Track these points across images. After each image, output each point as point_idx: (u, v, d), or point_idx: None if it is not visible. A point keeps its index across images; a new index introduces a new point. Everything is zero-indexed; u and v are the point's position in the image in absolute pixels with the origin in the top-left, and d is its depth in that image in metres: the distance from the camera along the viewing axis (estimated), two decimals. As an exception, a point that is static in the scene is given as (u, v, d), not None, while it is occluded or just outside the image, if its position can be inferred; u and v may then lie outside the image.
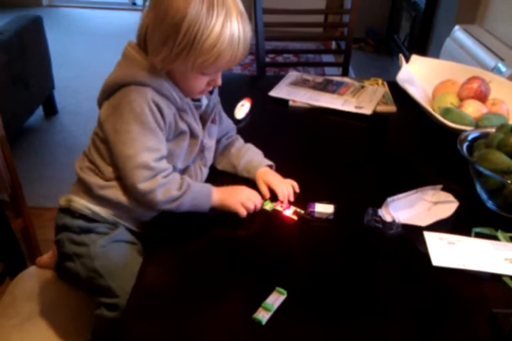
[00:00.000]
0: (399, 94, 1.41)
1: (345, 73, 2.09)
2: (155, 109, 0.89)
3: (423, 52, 2.69)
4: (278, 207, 1.00)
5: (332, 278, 0.85)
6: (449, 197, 1.04)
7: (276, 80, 1.56)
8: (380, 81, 1.61)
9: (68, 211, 0.99)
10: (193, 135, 0.98)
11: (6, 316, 1.04)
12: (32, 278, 1.13)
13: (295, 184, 1.05)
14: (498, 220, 1.00)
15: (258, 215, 0.98)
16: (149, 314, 0.76)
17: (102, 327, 0.93)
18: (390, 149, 1.29)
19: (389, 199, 0.98)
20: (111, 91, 0.91)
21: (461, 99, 1.33)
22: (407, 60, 1.48)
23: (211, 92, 1.02)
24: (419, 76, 1.44)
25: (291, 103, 1.45)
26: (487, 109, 1.30)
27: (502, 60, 1.79)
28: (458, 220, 1.00)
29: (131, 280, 0.88)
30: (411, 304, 0.80)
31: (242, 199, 0.95)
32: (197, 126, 0.98)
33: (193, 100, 0.97)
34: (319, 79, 1.59)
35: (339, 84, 1.56)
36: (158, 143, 0.91)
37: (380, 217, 0.97)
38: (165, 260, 0.88)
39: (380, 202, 0.99)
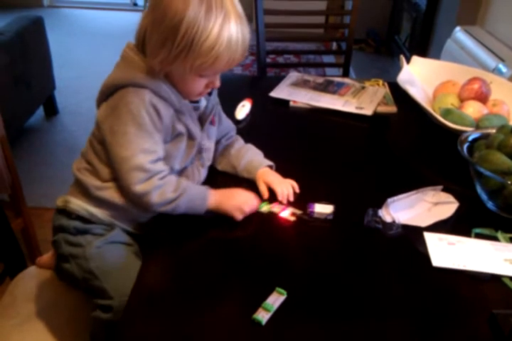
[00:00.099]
0: (399, 94, 1.41)
1: (345, 74, 2.09)
2: (152, 110, 0.89)
3: (424, 53, 2.69)
4: (275, 209, 0.99)
5: (332, 278, 0.85)
6: (449, 197, 1.04)
7: (276, 81, 1.56)
8: (380, 82, 1.61)
9: (65, 212, 0.99)
10: (190, 136, 0.98)
11: (6, 316, 1.04)
12: (32, 279, 1.13)
13: (295, 184, 1.05)
14: (498, 221, 1.00)
15: (256, 217, 0.97)
16: (149, 315, 0.76)
17: (99, 329, 0.93)
18: (391, 150, 1.29)
19: (389, 200, 0.98)
20: (109, 92, 0.91)
21: (462, 100, 1.33)
22: (408, 60, 1.48)
23: (210, 94, 1.02)
24: (420, 77, 1.45)
25: (291, 103, 1.45)
26: (488, 109, 1.30)
27: (503, 60, 1.79)
28: (458, 221, 1.00)
29: (127, 281, 0.88)
30: (411, 304, 0.80)
31: (238, 203, 0.95)
32: (195, 128, 0.98)
33: (192, 102, 0.97)
34: (320, 79, 1.59)
35: (340, 84, 1.56)
36: (155, 145, 0.90)
37: (380, 217, 0.97)
38: (164, 261, 0.88)
39: (380, 203, 0.99)
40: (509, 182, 0.95)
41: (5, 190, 1.41)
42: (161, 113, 0.90)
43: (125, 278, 0.91)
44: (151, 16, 0.87)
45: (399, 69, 1.40)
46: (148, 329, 0.74)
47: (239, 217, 0.95)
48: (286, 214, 0.99)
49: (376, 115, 1.41)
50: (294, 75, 1.61)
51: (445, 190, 1.05)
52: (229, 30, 0.84)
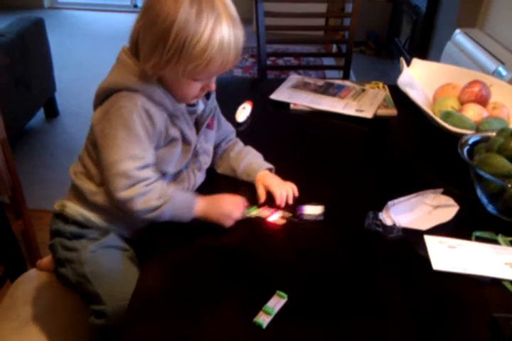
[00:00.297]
0: (400, 97, 1.41)
1: (346, 76, 2.09)
2: (144, 115, 0.88)
3: (424, 55, 2.70)
4: (264, 213, 0.99)
5: (333, 281, 0.85)
6: (450, 200, 1.04)
7: (277, 83, 1.56)
8: (380, 84, 1.61)
9: (62, 216, 0.99)
10: (185, 141, 0.97)
11: (6, 319, 1.04)
12: (32, 281, 1.13)
13: (294, 187, 1.04)
14: (499, 224, 1.00)
15: (247, 221, 0.97)
16: (148, 319, 0.76)
17: (97, 334, 0.93)
18: (391, 152, 1.29)
19: (389, 203, 0.98)
20: (104, 96, 0.90)
21: (462, 103, 1.33)
22: (408, 63, 1.48)
23: (208, 97, 1.01)
24: (420, 79, 1.45)
25: (292, 106, 1.45)
26: (488, 112, 1.30)
27: (503, 63, 1.79)
28: (458, 224, 1.00)
29: (121, 287, 0.88)
30: (411, 308, 0.80)
31: (226, 212, 0.94)
32: (190, 132, 0.97)
33: (188, 105, 0.97)
34: (320, 82, 1.59)
35: (340, 87, 1.56)
36: (143, 152, 0.89)
37: (380, 220, 0.97)
38: (163, 266, 0.88)
39: (380, 206, 0.99)
40: (509, 186, 0.95)
41: (5, 192, 1.41)
42: (153, 118, 0.89)
43: (119, 283, 0.91)
44: (143, 20, 0.86)
45: (399, 71, 1.40)
46: (148, 333, 0.74)
47: (228, 224, 0.94)
48: (276, 217, 0.98)
49: (376, 118, 1.41)
50: (294, 78, 1.61)
51: (445, 193, 1.06)
52: (221, 33, 0.82)
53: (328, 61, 3.64)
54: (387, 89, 1.57)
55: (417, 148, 1.32)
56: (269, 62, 2.19)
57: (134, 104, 0.87)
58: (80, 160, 0.99)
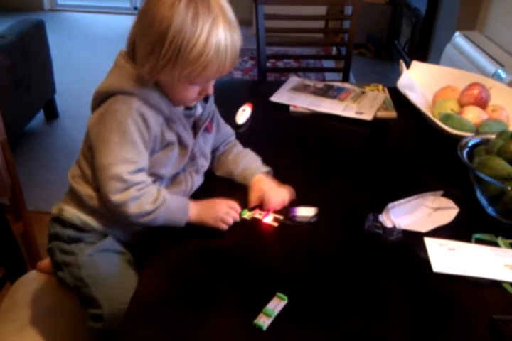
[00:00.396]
0: (399, 99, 1.41)
1: (345, 79, 2.10)
2: (139, 119, 0.87)
3: (423, 58, 2.70)
4: (257, 215, 0.99)
5: (333, 283, 0.85)
6: (450, 203, 1.05)
7: (277, 85, 1.56)
8: (380, 87, 1.61)
9: (59, 220, 0.99)
10: (182, 144, 0.96)
11: (6, 321, 1.04)
12: (32, 283, 1.13)
13: (289, 192, 1.03)
14: (499, 226, 1.00)
15: (243, 224, 0.97)
16: (148, 322, 0.76)
17: (95, 338, 0.93)
18: (391, 155, 1.29)
19: (389, 205, 0.98)
20: (100, 100, 0.90)
21: (462, 106, 1.34)
22: (408, 65, 1.48)
23: (206, 101, 1.01)
24: (420, 82, 1.45)
25: (292, 108, 1.46)
26: (487, 115, 1.30)
27: (502, 66, 1.79)
28: (458, 226, 1.00)
29: (118, 290, 0.88)
30: (411, 310, 0.80)
31: (220, 215, 0.93)
32: (187, 136, 0.96)
33: (186, 108, 0.96)
34: (320, 84, 1.59)
35: (340, 89, 1.57)
36: (137, 156, 0.88)
37: (380, 222, 0.97)
38: (162, 269, 0.88)
39: (380, 208, 0.99)
40: (509, 188, 0.95)
41: (5, 193, 1.41)
42: (148, 122, 0.88)
43: (116, 287, 0.91)
44: (140, 23, 0.86)
45: (399, 74, 1.41)
46: (147, 337, 0.74)
47: (223, 227, 0.94)
48: (269, 219, 0.98)
49: (376, 120, 1.41)
50: (294, 80, 1.62)
51: (445, 195, 1.06)
52: (217, 37, 0.82)
53: (327, 63, 3.65)
54: (387, 92, 1.58)
55: (417, 151, 1.32)
56: (268, 65, 2.19)
57: (129, 108, 0.87)
58: (77, 163, 0.99)
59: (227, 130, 1.13)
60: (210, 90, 0.93)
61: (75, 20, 4.73)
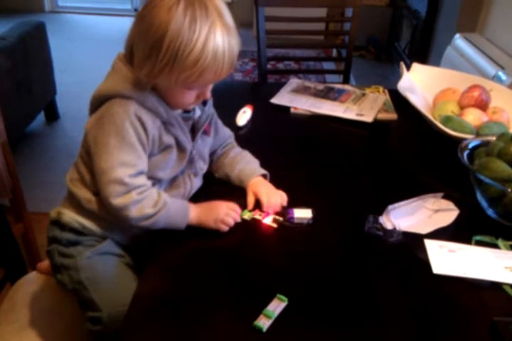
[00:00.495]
0: (400, 101, 1.41)
1: (346, 80, 2.10)
2: (137, 123, 0.87)
3: (424, 60, 2.71)
4: (257, 216, 0.99)
5: (333, 285, 0.85)
6: (450, 205, 1.05)
7: (277, 87, 1.56)
8: (381, 89, 1.62)
9: (58, 223, 0.99)
10: (180, 147, 0.96)
11: (6, 322, 1.04)
12: (32, 284, 1.13)
13: (284, 196, 1.03)
14: (499, 228, 1.00)
15: (246, 225, 0.97)
16: (148, 324, 0.76)
17: (94, 340, 0.93)
18: (391, 157, 1.29)
19: (390, 207, 0.98)
20: (98, 103, 0.90)
21: (462, 108, 1.34)
22: (408, 67, 1.48)
23: (204, 104, 1.00)
24: (420, 84, 1.45)
25: (292, 110, 1.46)
26: (488, 117, 1.30)
27: (502, 68, 1.79)
28: (458, 228, 1.00)
29: (117, 293, 0.88)
30: (411, 312, 0.80)
31: (220, 217, 0.93)
32: (185, 139, 0.96)
33: (184, 111, 0.96)
34: (320, 86, 1.59)
35: (340, 91, 1.57)
36: (136, 159, 0.88)
37: (380, 224, 0.97)
38: (162, 270, 0.88)
39: (380, 210, 0.99)
40: (509, 190, 0.95)
41: (6, 194, 1.41)
42: (146, 125, 0.88)
43: (115, 289, 0.91)
44: (138, 27, 0.85)
45: (399, 76, 1.41)
46: (148, 338, 0.74)
47: (224, 229, 0.94)
48: (269, 220, 0.98)
49: (376, 122, 1.42)
50: (294, 82, 1.62)
51: (445, 197, 1.06)
52: (214, 42, 0.81)
53: (328, 65, 3.66)
54: (388, 94, 1.58)
55: (418, 152, 1.32)
56: (269, 66, 2.20)
57: (127, 111, 0.86)
58: (75, 166, 0.99)
59: (226, 132, 1.13)
60: (208, 94, 0.93)
61: (75, 22, 4.74)
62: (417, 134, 1.41)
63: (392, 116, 1.44)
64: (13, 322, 1.03)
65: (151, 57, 0.82)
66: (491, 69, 1.83)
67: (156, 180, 0.95)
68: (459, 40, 2.15)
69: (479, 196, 1.04)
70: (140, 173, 0.90)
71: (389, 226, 0.97)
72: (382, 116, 1.44)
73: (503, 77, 1.73)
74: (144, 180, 0.91)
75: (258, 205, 1.02)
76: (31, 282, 1.14)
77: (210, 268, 0.88)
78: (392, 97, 1.53)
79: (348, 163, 1.24)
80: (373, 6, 3.68)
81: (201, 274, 0.86)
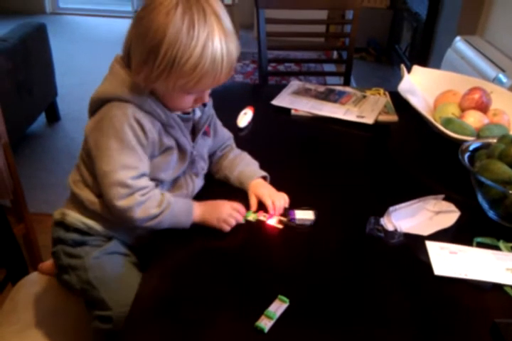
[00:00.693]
0: (400, 103, 1.42)
1: (346, 83, 2.10)
2: (136, 125, 0.87)
3: (424, 62, 2.71)
4: (261, 217, 0.99)
5: (334, 286, 0.85)
6: (451, 206, 1.05)
7: (278, 89, 1.56)
8: (381, 91, 1.62)
9: (62, 224, 0.99)
10: (181, 149, 0.96)
11: (7, 323, 1.04)
12: (34, 285, 1.13)
13: (286, 198, 1.03)
14: (500, 230, 1.00)
15: (246, 225, 0.97)
16: (150, 324, 0.76)
17: (101, 339, 0.93)
18: (392, 158, 1.30)
19: (391, 209, 0.98)
20: (96, 106, 0.90)
21: (463, 110, 1.34)
22: (409, 70, 1.49)
23: (205, 104, 1.00)
24: (421, 86, 1.46)
25: (293, 112, 1.46)
26: (488, 119, 1.30)
27: (503, 70, 1.80)
28: (459, 230, 1.00)
29: (125, 292, 0.87)
30: (413, 313, 0.80)
31: (223, 216, 0.94)
32: (185, 140, 0.96)
33: (184, 113, 0.96)
34: (321, 88, 1.60)
35: (341, 93, 1.57)
36: (137, 161, 0.88)
37: (382, 226, 0.97)
38: (164, 271, 0.88)
39: (382, 211, 0.99)
40: (510, 192, 0.95)
41: (7, 195, 1.41)
42: (145, 128, 0.88)
43: (124, 288, 0.91)
44: (136, 30, 0.85)
45: (399, 78, 1.41)
46: (150, 338, 0.74)
47: (226, 228, 0.94)
48: (273, 221, 0.99)
49: (377, 124, 1.42)
50: (295, 84, 1.62)
51: (447, 199, 1.06)
52: (212, 48, 0.80)
53: (328, 67, 3.66)
54: (388, 96, 1.58)
55: (418, 154, 1.32)
56: (270, 68, 2.20)
57: (125, 114, 0.86)
58: (77, 168, 0.99)
59: (225, 134, 1.13)
60: (206, 98, 0.93)
61: (76, 24, 4.75)
62: (417, 136, 1.41)
63: (393, 118, 1.45)
64: (15, 323, 1.03)
65: (148, 63, 0.82)
66: (491, 71, 1.84)
67: (158, 182, 0.95)
68: (459, 43, 2.15)
69: (480, 198, 1.04)
70: (142, 175, 0.90)
71: (390, 227, 0.97)
72: (383, 118, 1.44)
73: (504, 79, 1.73)
74: (147, 182, 0.91)
75: (260, 206, 1.02)
76: (32, 282, 1.14)
77: (211, 268, 0.88)
78: (393, 99, 1.54)
79: (348, 165, 1.24)
80: (374, 9, 3.69)
81: (203, 274, 0.86)
